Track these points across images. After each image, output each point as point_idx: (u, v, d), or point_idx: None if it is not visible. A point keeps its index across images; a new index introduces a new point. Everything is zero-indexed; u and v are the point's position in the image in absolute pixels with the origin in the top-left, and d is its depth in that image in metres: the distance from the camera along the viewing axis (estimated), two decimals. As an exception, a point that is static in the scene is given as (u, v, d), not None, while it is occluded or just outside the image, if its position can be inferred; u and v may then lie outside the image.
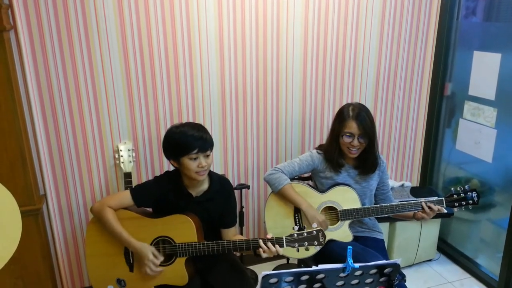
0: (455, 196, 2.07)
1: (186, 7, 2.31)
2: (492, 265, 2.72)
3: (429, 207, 2.03)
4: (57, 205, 2.40)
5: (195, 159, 1.83)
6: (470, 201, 2.05)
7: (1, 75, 1.98)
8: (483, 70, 2.63)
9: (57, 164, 2.33)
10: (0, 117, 2.02)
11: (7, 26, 1.96)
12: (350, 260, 1.39)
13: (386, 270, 1.45)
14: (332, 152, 2.14)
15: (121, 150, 2.32)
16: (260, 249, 1.77)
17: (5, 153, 2.07)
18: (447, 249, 3.04)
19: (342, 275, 1.41)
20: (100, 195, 2.46)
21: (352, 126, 2.04)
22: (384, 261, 1.44)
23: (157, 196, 1.92)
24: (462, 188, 2.07)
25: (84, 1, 2.13)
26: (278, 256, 1.81)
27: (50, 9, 2.10)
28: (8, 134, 2.05)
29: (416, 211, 2.09)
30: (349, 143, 2.06)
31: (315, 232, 1.74)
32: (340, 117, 2.09)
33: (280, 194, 2.15)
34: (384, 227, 2.70)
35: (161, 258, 1.83)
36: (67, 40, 2.17)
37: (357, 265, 1.40)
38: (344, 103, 2.77)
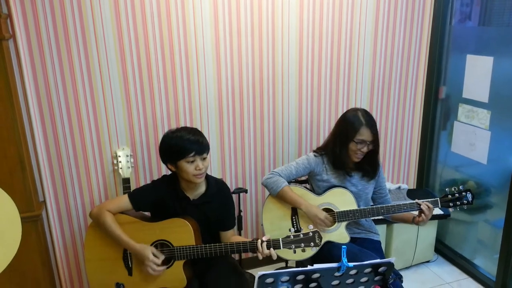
0: (449, 196, 2.09)
1: (183, 14, 2.35)
2: (489, 265, 2.74)
3: (428, 206, 2.04)
4: (57, 211, 2.42)
5: (192, 162, 1.85)
6: (465, 201, 2.07)
7: (0, 83, 2.01)
8: (476, 73, 2.67)
9: (56, 171, 2.36)
10: (0, 125, 2.05)
11: (6, 35, 1.99)
12: (344, 259, 1.41)
13: (380, 269, 1.47)
14: (341, 159, 2.14)
15: (119, 156, 2.35)
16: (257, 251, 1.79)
17: (4, 160, 2.09)
18: (445, 250, 3.05)
19: (337, 274, 1.44)
20: (99, 200, 2.48)
21: (366, 133, 2.06)
22: (378, 260, 1.46)
23: (155, 199, 1.95)
24: (457, 189, 2.09)
25: (82, 9, 2.17)
26: (277, 259, 1.83)
27: (49, 17, 2.14)
28: (7, 141, 2.08)
29: (415, 215, 2.10)
30: (359, 149, 2.08)
31: (311, 234, 1.76)
32: (352, 123, 2.08)
33: (279, 197, 2.17)
34: (381, 229, 2.72)
35: (162, 257, 1.85)
36: (65, 47, 2.20)
37: (351, 264, 1.42)
38: (339, 107, 2.82)
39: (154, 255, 1.84)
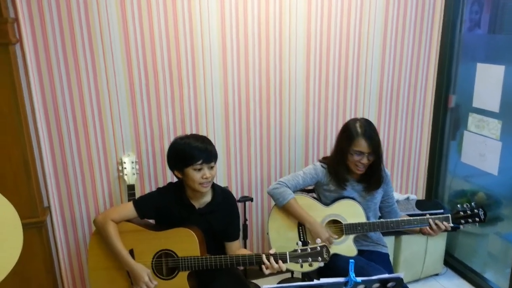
0: (461, 213, 2.04)
1: (190, 21, 2.33)
2: (500, 280, 2.67)
3: (436, 225, 2.00)
4: (61, 217, 2.40)
5: (199, 170, 1.83)
6: (477, 219, 2.02)
7: (7, 88, 2.00)
8: (487, 82, 2.63)
9: (61, 176, 2.34)
10: (5, 130, 2.04)
11: (13, 39, 1.98)
12: (352, 274, 1.37)
13: (389, 284, 1.43)
14: (338, 168, 2.12)
15: (124, 162, 2.32)
16: (263, 265, 1.75)
17: (9, 165, 2.08)
18: (454, 263, 2.99)
19: (345, 289, 1.40)
20: (104, 207, 2.46)
21: (362, 145, 2.02)
22: (386, 275, 1.42)
23: (160, 207, 1.92)
24: (469, 205, 2.04)
25: (89, 13, 2.16)
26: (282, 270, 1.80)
27: (55, 22, 2.13)
28: (12, 146, 2.07)
29: (422, 227, 2.06)
30: (358, 160, 2.04)
31: (319, 248, 1.72)
32: (348, 134, 2.05)
33: (285, 209, 2.13)
34: (389, 241, 2.67)
35: (155, 283, 1.82)
36: (72, 52, 2.19)
37: (359, 279, 1.38)
38: (347, 116, 2.79)
39: (149, 279, 1.81)
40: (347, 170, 2.12)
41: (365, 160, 2.03)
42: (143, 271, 1.81)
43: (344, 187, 2.14)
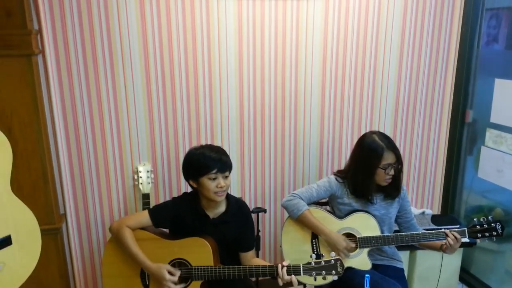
0: (478, 227, 2.00)
1: (207, 31, 2.36)
2: (518, 299, 2.62)
3: (454, 236, 1.97)
4: (76, 224, 2.43)
5: (214, 179, 1.85)
6: (494, 233, 1.98)
7: (28, 97, 2.05)
8: (505, 97, 2.59)
9: (78, 184, 2.38)
10: (25, 138, 2.08)
11: (35, 50, 2.04)
12: (368, 289, 1.36)
13: (406, 301, 1.41)
14: (365, 187, 2.08)
15: (140, 171, 2.35)
16: (278, 275, 1.74)
17: (28, 173, 2.12)
18: (470, 280, 2.93)
19: (360, 305, 1.38)
20: (119, 215, 2.48)
21: (390, 157, 2.01)
22: (404, 292, 1.40)
23: (175, 216, 1.93)
24: (486, 219, 2.00)
25: (110, 26, 2.21)
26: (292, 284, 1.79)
27: (77, 35, 2.18)
28: (32, 154, 2.11)
29: (443, 243, 2.02)
30: (387, 173, 2.02)
31: (333, 261, 1.71)
32: (374, 150, 2.02)
33: (299, 221, 2.13)
34: (404, 255, 2.63)
35: (178, 273, 1.82)
36: (92, 64, 2.24)
37: (375, 295, 1.36)
38: (362, 129, 2.78)
39: (170, 273, 1.81)
40: (373, 185, 2.09)
41: (393, 171, 2.03)
42: (162, 269, 1.80)
43: (373, 202, 2.11)
